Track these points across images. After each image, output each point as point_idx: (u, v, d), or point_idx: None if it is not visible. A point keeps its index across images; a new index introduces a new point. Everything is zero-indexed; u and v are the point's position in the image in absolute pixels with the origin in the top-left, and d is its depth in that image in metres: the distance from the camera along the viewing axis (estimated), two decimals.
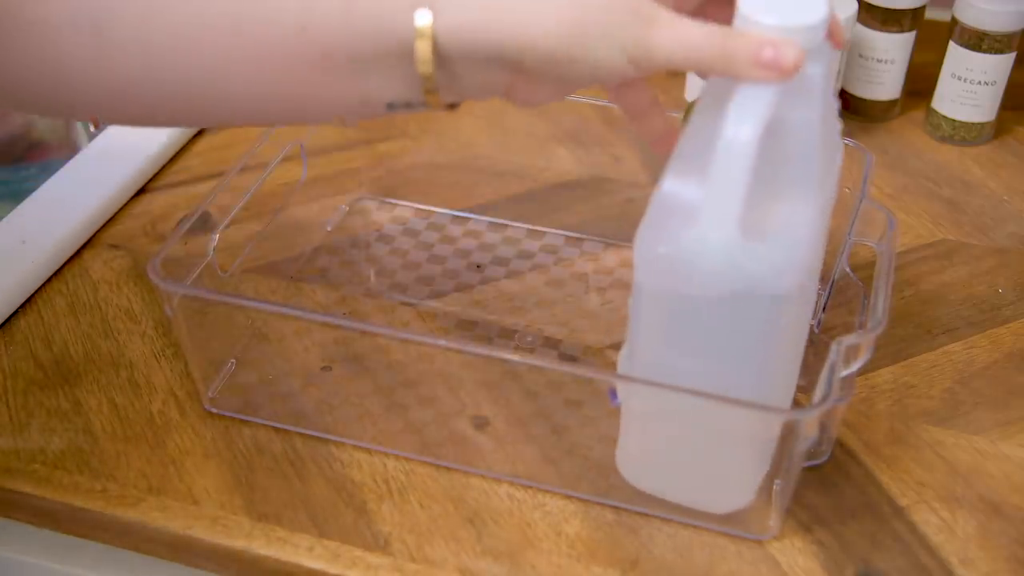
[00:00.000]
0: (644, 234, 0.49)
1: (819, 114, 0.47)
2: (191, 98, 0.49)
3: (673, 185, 0.48)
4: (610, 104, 0.80)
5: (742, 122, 0.44)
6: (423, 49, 0.46)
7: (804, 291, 0.50)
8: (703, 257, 0.46)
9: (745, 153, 0.44)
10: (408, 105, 0.49)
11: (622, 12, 0.45)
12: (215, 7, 0.47)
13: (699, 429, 0.53)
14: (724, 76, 0.45)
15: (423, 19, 0.45)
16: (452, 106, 0.49)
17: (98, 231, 0.74)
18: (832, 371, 0.51)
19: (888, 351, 0.65)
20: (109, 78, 0.48)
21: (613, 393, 0.55)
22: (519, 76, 0.47)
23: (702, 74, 0.50)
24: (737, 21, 0.45)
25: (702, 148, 0.46)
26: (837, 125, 0.49)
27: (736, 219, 0.45)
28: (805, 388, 0.62)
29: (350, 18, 0.46)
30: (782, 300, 0.48)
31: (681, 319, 0.50)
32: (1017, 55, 0.80)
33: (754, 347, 0.50)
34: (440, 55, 0.46)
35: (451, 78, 0.47)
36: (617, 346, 0.65)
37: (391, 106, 0.49)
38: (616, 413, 0.61)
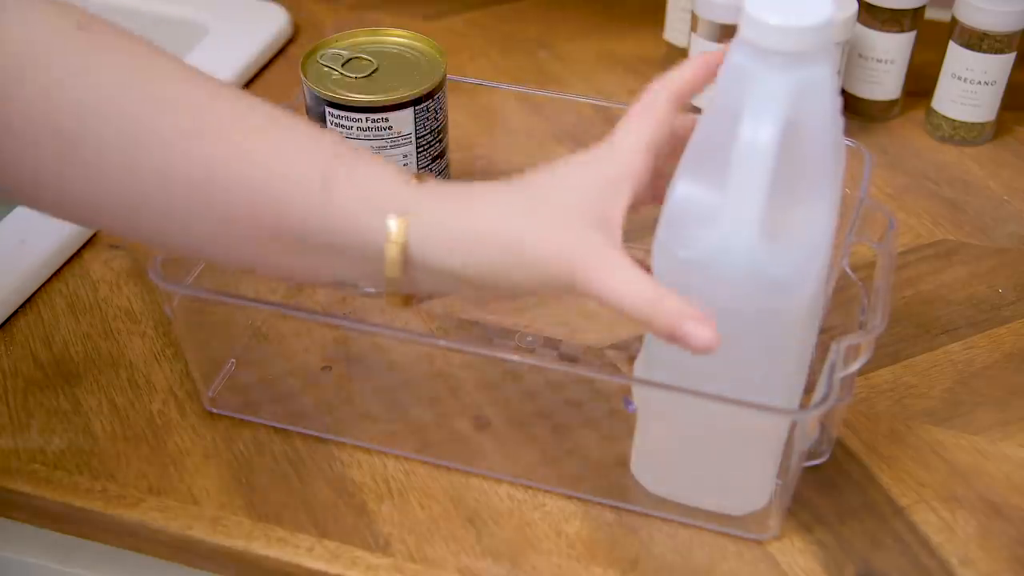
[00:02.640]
0: (662, 238, 0.48)
1: (830, 114, 0.47)
2: (144, 229, 0.49)
3: (688, 189, 0.48)
4: (610, 104, 0.80)
5: (761, 124, 0.44)
6: (392, 254, 0.47)
7: (819, 292, 0.50)
8: (725, 260, 0.46)
9: (765, 155, 0.44)
10: (358, 287, 0.50)
11: (569, 244, 0.47)
12: (191, 155, 0.47)
13: (715, 432, 0.53)
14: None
15: (396, 229, 0.47)
16: (407, 301, 0.50)
17: (98, 231, 0.74)
18: (832, 371, 0.51)
19: (888, 351, 0.65)
20: (70, 190, 0.48)
21: (628, 400, 0.56)
22: (467, 286, 0.49)
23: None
24: (743, 21, 0.45)
25: (715, 151, 0.46)
26: (841, 124, 0.49)
27: (758, 222, 0.45)
28: (805, 388, 0.62)
29: (326, 207, 0.47)
30: (803, 302, 0.48)
31: None
32: (1017, 55, 0.80)
33: (773, 349, 0.50)
34: (406, 263, 0.47)
35: (411, 282, 0.48)
36: (617, 346, 0.66)
37: (342, 283, 0.51)
38: (616, 413, 0.61)
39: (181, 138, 0.47)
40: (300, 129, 0.49)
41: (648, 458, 0.57)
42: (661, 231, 0.49)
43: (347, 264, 0.49)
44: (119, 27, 0.49)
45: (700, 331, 0.45)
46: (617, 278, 0.46)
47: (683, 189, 0.48)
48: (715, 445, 0.54)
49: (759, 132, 0.44)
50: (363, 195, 0.48)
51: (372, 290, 0.69)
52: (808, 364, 0.55)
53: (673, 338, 0.45)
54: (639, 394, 0.55)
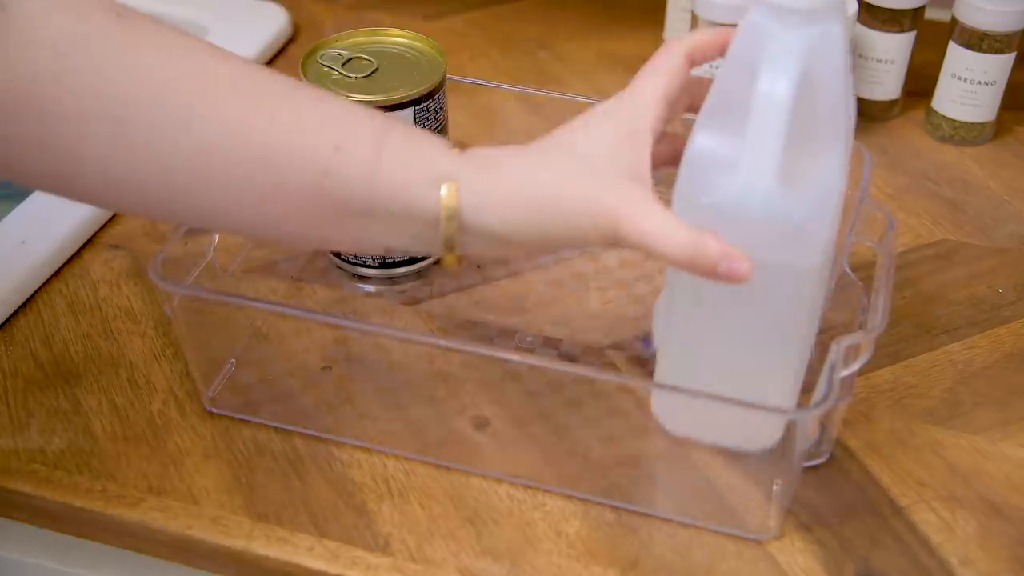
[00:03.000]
0: (683, 186, 0.51)
1: (841, 68, 0.49)
2: (195, 207, 0.50)
3: (707, 139, 0.51)
4: None
5: (778, 77, 0.47)
6: (446, 219, 0.48)
7: (832, 237, 0.52)
8: (744, 205, 0.49)
9: (782, 105, 0.47)
10: (406, 253, 0.51)
11: (608, 193, 0.49)
12: (248, 131, 0.48)
13: (733, 368, 0.56)
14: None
15: (447, 193, 0.48)
16: (459, 260, 0.51)
17: (98, 231, 0.74)
18: (832, 370, 0.51)
19: (888, 351, 0.65)
20: (118, 172, 0.48)
21: (647, 341, 0.59)
22: (514, 245, 0.50)
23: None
24: None
25: (733, 104, 0.49)
26: (851, 80, 0.52)
27: (775, 168, 0.48)
28: (805, 388, 0.62)
29: (376, 178, 0.49)
30: (817, 245, 0.51)
31: None
32: (1017, 55, 0.80)
33: (789, 293, 0.52)
34: (459, 228, 0.49)
35: (461, 245, 0.50)
36: (617, 346, 0.66)
37: (388, 249, 0.52)
38: (616, 412, 0.61)
39: (234, 116, 0.48)
40: (344, 104, 0.51)
41: (668, 398, 0.59)
42: (682, 180, 0.51)
43: (396, 232, 0.50)
44: (152, 15, 0.50)
45: (737, 266, 0.47)
46: (655, 224, 0.48)
47: (702, 139, 0.51)
48: (732, 381, 0.56)
49: (776, 84, 0.47)
50: (411, 163, 0.49)
51: (372, 288, 0.69)
52: (819, 319, 0.57)
53: (713, 276, 0.47)
54: (659, 335, 0.57)
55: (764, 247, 0.49)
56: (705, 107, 0.51)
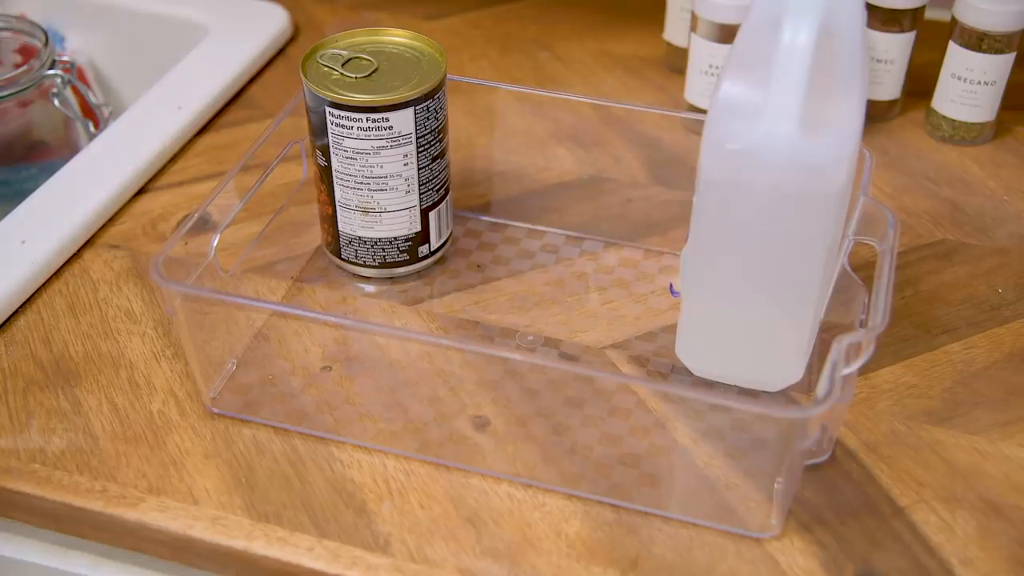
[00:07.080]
0: (711, 135, 0.54)
1: (857, 20, 0.54)
2: None
3: (732, 89, 0.54)
4: (610, 104, 0.80)
5: (799, 28, 0.51)
6: None
7: (849, 180, 0.55)
8: (769, 150, 0.52)
9: (804, 55, 0.50)
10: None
11: None
12: None
13: (755, 309, 0.58)
14: None
15: None
16: None
17: (98, 231, 0.74)
18: (834, 369, 0.51)
19: (888, 351, 0.65)
20: None
21: (672, 287, 0.66)
22: None
23: None
24: None
25: (755, 56, 0.53)
26: (866, 31, 0.56)
27: (798, 116, 0.51)
28: (806, 388, 0.62)
29: None
30: (836, 187, 0.53)
31: (744, 211, 0.55)
32: (1017, 55, 0.80)
33: (810, 233, 0.55)
34: None
35: None
36: (617, 345, 0.66)
37: None
38: (616, 412, 0.61)
39: None
40: None
41: (692, 340, 0.62)
42: (708, 128, 0.54)
43: None
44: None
45: None
46: None
47: (727, 89, 0.54)
48: (755, 321, 0.59)
49: (798, 35, 0.50)
50: None
51: (372, 288, 0.69)
52: (836, 268, 0.60)
53: None
54: (684, 280, 0.60)
55: (788, 188, 0.53)
56: (730, 58, 0.54)
